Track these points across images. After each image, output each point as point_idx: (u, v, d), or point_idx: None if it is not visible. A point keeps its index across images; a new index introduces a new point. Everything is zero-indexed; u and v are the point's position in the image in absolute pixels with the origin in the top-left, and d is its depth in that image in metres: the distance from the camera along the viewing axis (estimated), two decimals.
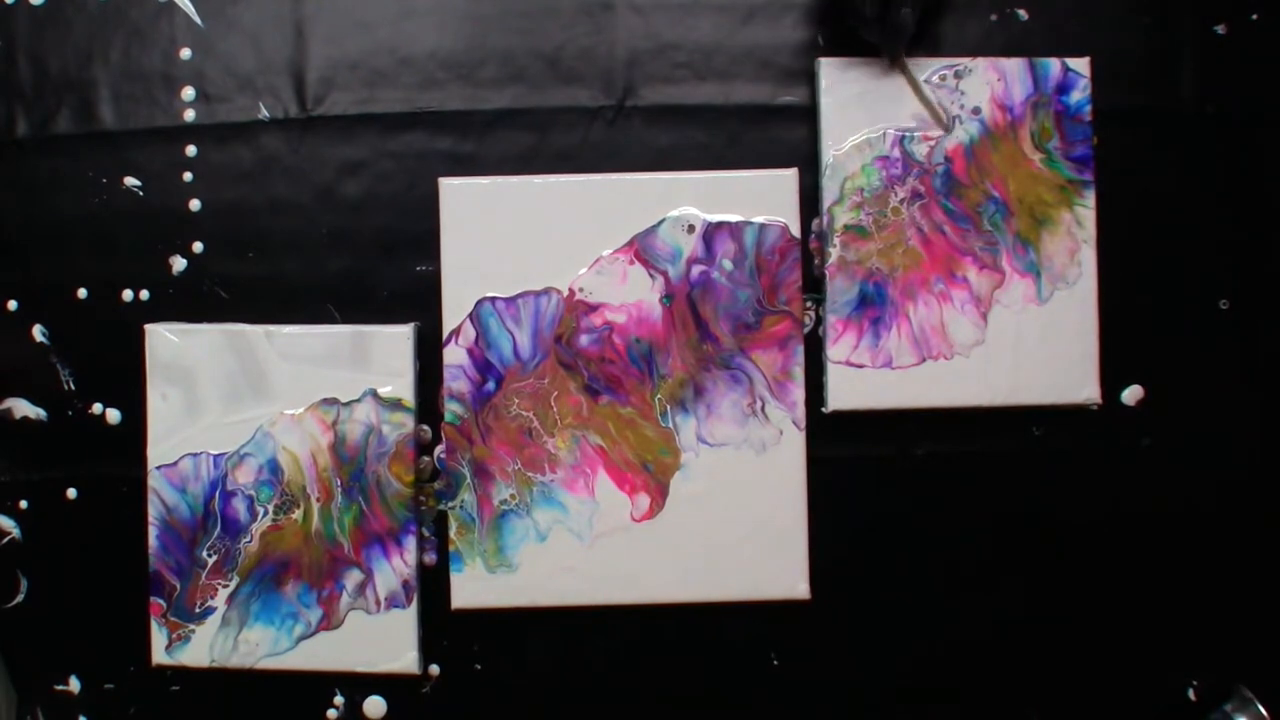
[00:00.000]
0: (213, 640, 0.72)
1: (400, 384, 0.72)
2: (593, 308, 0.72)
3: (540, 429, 0.72)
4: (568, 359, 0.72)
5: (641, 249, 0.73)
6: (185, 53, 0.74)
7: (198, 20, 0.74)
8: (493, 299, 0.72)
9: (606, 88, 0.74)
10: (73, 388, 0.74)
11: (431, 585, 0.73)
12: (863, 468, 0.74)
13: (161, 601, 0.72)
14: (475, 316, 0.72)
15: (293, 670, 0.72)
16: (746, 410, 0.72)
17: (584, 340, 0.72)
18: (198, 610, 0.72)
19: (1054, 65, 0.74)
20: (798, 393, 0.73)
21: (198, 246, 0.74)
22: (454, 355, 0.72)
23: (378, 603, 0.72)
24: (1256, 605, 0.76)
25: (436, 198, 0.73)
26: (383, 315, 0.73)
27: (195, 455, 0.72)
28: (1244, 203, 0.76)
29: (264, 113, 0.74)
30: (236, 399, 0.72)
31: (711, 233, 0.73)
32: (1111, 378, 0.74)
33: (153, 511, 0.72)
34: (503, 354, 0.72)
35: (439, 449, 0.73)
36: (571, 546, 0.72)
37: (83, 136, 0.74)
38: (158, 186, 0.74)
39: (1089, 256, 0.73)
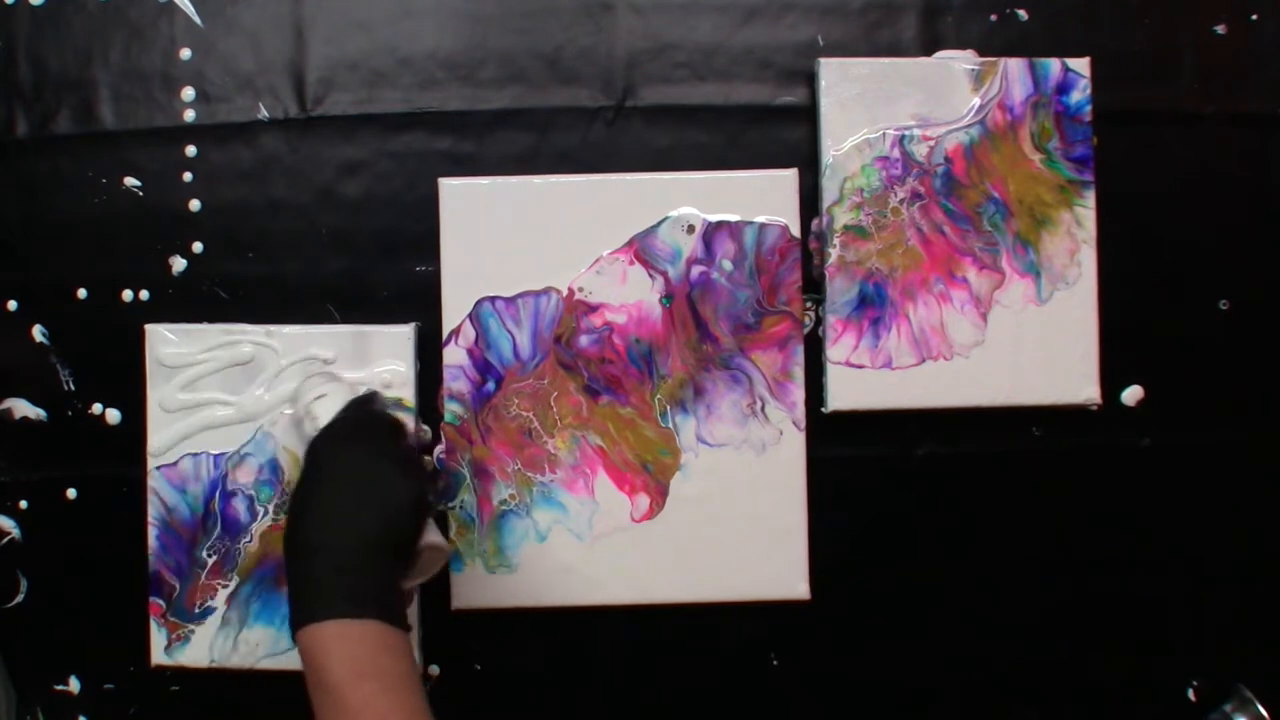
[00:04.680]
0: (213, 640, 0.72)
1: (400, 384, 0.72)
2: (593, 308, 0.72)
3: (540, 429, 0.72)
4: (567, 359, 0.72)
5: (641, 249, 0.73)
6: (185, 53, 0.74)
7: (198, 20, 0.74)
8: (492, 299, 0.72)
9: (606, 88, 0.74)
10: (73, 388, 0.74)
11: (431, 585, 0.73)
12: (863, 468, 0.74)
13: (161, 602, 0.72)
14: (475, 316, 0.72)
15: (293, 670, 0.72)
16: (746, 410, 0.72)
17: (584, 340, 0.72)
18: (197, 610, 0.72)
19: (1054, 65, 0.74)
20: (798, 393, 0.73)
21: (198, 246, 0.74)
22: (454, 355, 0.72)
23: None
24: (1256, 605, 0.76)
25: (436, 198, 0.73)
26: (383, 315, 0.73)
27: (195, 455, 0.72)
28: (1244, 203, 0.76)
29: (264, 113, 0.74)
30: (236, 398, 0.72)
31: (711, 233, 0.73)
32: (1111, 378, 0.74)
33: (153, 511, 0.72)
34: (502, 354, 0.72)
35: (439, 449, 0.73)
36: (571, 546, 0.72)
37: (83, 136, 0.74)
38: (158, 186, 0.74)
39: (1089, 256, 0.73)
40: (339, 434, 0.61)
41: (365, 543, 0.56)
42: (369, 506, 0.57)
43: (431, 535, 0.61)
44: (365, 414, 0.64)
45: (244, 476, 0.72)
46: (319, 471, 0.58)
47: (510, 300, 0.72)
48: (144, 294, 0.74)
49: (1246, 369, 0.75)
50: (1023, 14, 0.75)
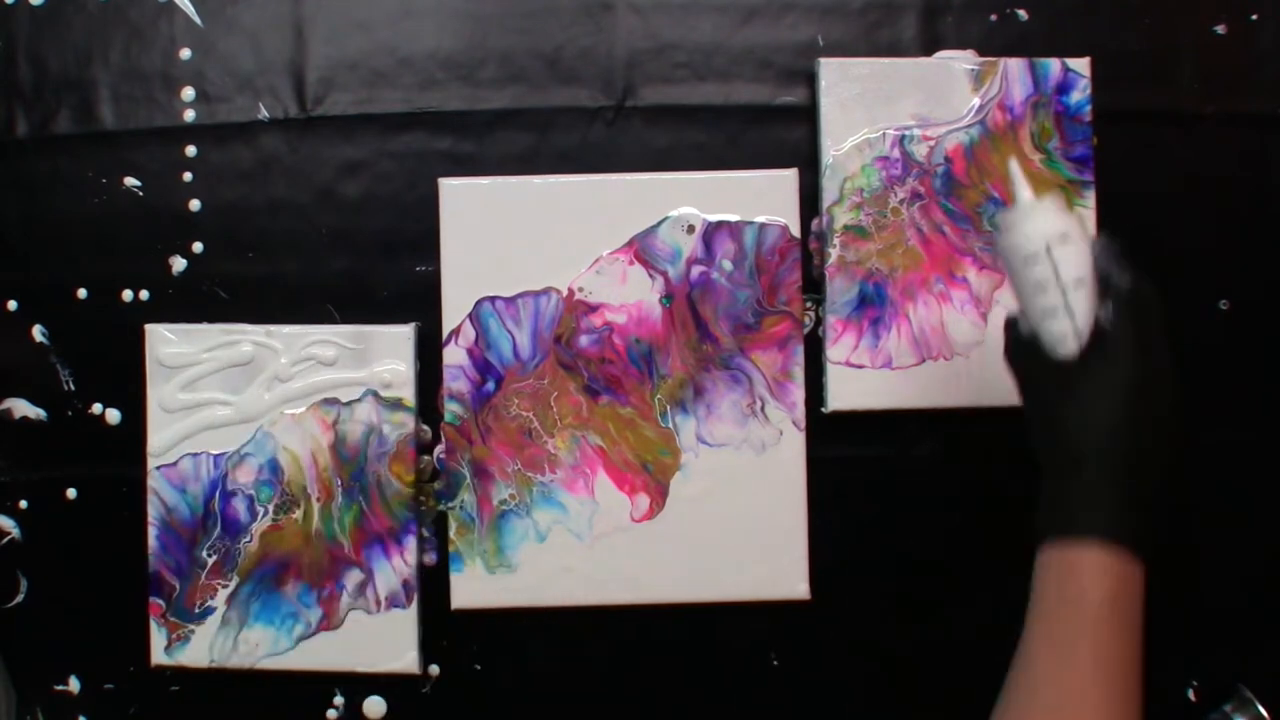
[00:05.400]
0: (213, 640, 0.72)
1: (400, 384, 0.72)
2: (592, 308, 0.72)
3: (540, 429, 0.72)
4: (567, 359, 0.72)
5: (641, 249, 0.73)
6: (185, 53, 0.74)
7: (198, 20, 0.74)
8: (492, 299, 0.72)
9: (606, 88, 0.74)
10: (73, 388, 0.74)
11: (431, 585, 0.73)
12: (863, 468, 0.74)
13: (161, 602, 0.72)
14: (475, 316, 0.72)
15: (293, 670, 0.72)
16: (746, 410, 0.72)
17: (584, 340, 0.72)
18: (197, 610, 0.72)
19: (1054, 65, 0.74)
20: (797, 393, 0.73)
21: (198, 246, 0.74)
22: (454, 355, 0.72)
23: (378, 603, 0.72)
24: (1256, 605, 0.76)
25: (436, 198, 0.73)
26: (383, 315, 0.73)
27: (195, 455, 0.72)
28: (1244, 203, 0.76)
29: (264, 113, 0.74)
30: (236, 398, 0.72)
31: (711, 233, 0.73)
32: None
33: (153, 511, 0.72)
34: (502, 354, 0.72)
35: (439, 449, 0.73)
36: (571, 546, 0.72)
37: (83, 136, 0.74)
38: (158, 186, 0.74)
39: None
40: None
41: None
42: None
43: None
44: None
45: (244, 476, 0.72)
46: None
47: (510, 300, 0.72)
48: (144, 294, 0.74)
49: (1246, 369, 0.75)
50: (1023, 14, 0.75)
